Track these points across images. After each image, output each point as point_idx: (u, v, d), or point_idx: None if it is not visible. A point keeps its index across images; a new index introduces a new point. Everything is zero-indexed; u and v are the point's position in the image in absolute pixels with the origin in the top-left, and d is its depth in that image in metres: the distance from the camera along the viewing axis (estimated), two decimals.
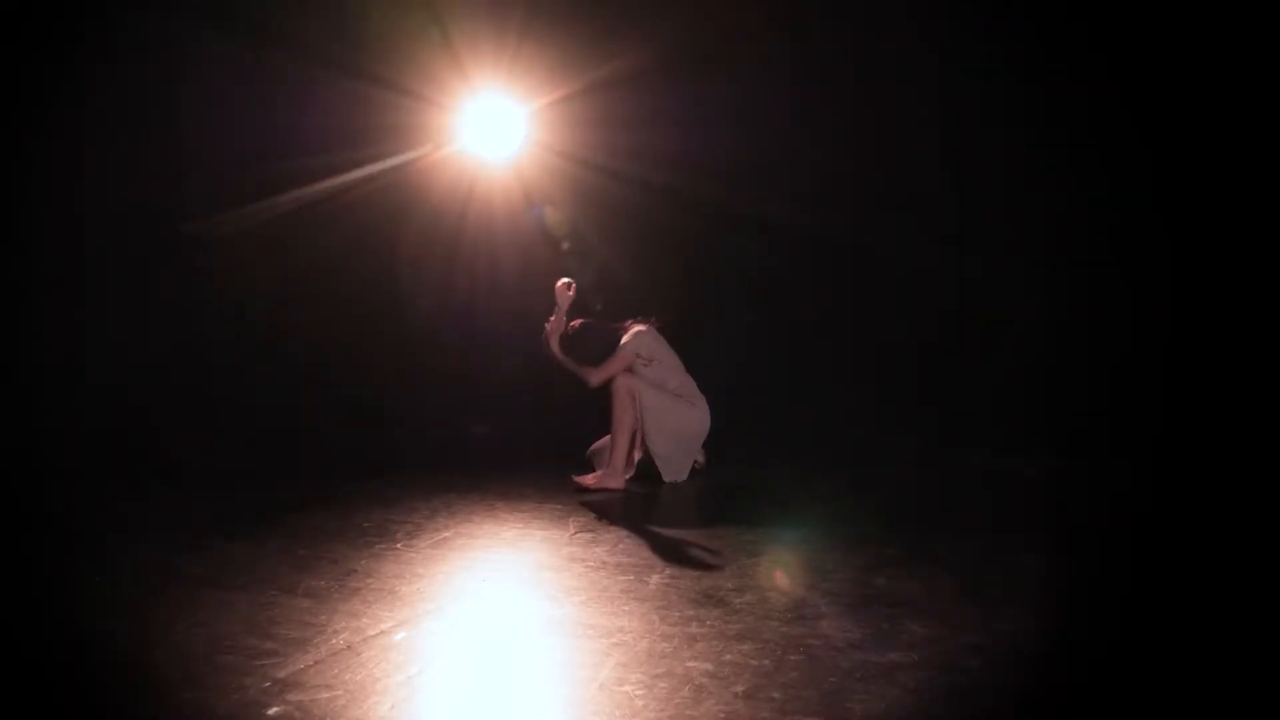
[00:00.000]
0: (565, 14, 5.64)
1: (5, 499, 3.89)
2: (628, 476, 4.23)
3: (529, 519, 3.62)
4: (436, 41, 5.59)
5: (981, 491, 4.23)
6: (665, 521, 3.60)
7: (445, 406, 6.08)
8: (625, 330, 4.35)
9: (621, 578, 2.85)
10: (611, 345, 4.28)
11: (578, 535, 3.37)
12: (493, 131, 5.73)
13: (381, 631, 2.38)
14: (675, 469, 4.32)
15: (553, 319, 4.29)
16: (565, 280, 4.29)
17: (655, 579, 2.85)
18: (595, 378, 4.23)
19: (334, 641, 2.30)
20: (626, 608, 2.58)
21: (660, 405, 4.22)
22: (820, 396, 5.92)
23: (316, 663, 2.17)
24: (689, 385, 4.39)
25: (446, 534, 3.36)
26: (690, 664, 2.19)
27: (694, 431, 4.34)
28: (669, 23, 5.62)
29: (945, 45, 5.64)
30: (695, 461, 4.58)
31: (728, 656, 2.24)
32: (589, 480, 4.16)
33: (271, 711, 1.93)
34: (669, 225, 5.92)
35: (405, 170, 5.87)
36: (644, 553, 3.15)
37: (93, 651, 2.31)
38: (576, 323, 4.33)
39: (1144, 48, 4.98)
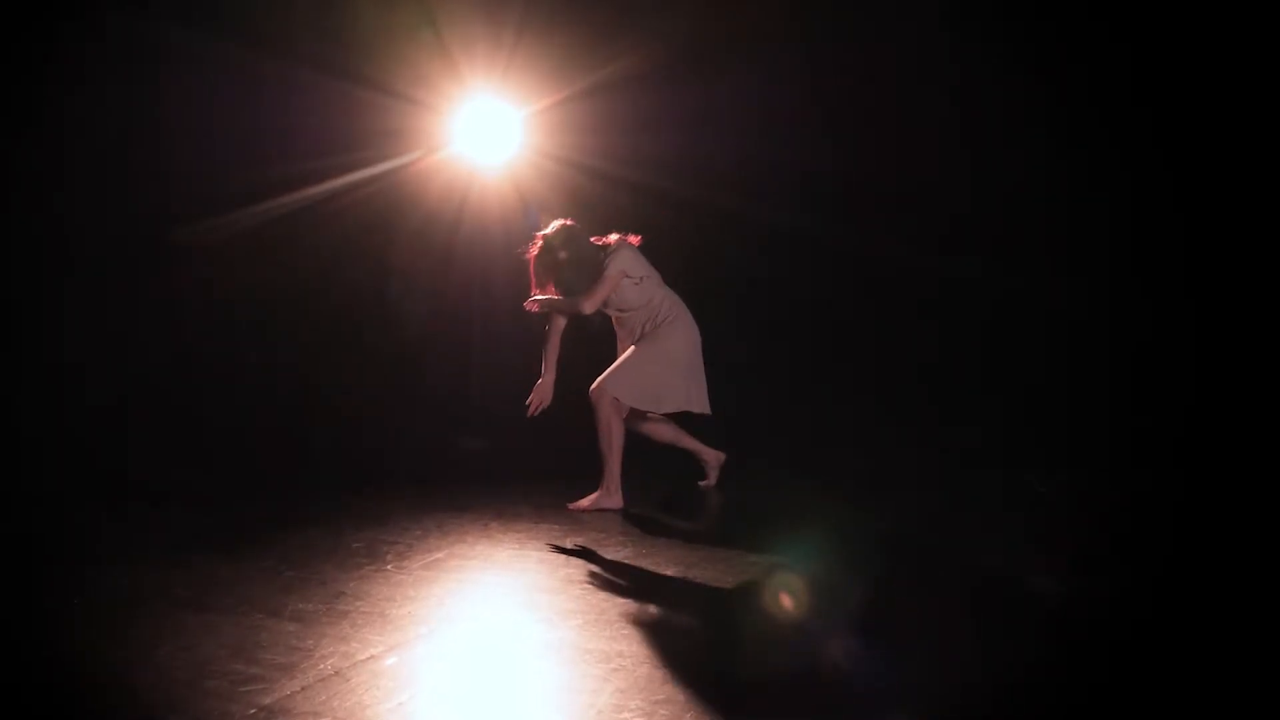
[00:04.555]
0: (563, 15, 5.68)
1: None
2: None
3: (524, 539, 3.63)
4: (430, 42, 5.62)
5: (992, 509, 4.24)
6: (667, 542, 3.60)
7: (438, 420, 6.09)
8: (606, 247, 4.24)
9: (621, 600, 2.86)
10: (595, 266, 4.17)
11: (573, 558, 3.38)
12: (488, 136, 5.76)
13: (371, 656, 2.39)
14: (697, 400, 4.27)
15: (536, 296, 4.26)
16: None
17: (656, 601, 2.86)
18: (588, 306, 4.15)
19: (322, 667, 2.31)
20: (626, 631, 2.58)
21: (647, 376, 4.17)
22: (827, 411, 5.93)
23: (304, 689, 2.18)
24: (671, 301, 4.31)
25: (439, 555, 3.37)
26: (692, 690, 2.19)
27: (688, 355, 4.26)
28: (669, 24, 5.65)
29: (957, 45, 5.68)
30: (704, 483, 4.59)
31: (731, 682, 2.24)
32: (584, 504, 4.16)
33: None
34: (670, 233, 5.93)
35: (397, 175, 5.90)
36: (644, 574, 3.16)
37: (72, 675, 2.32)
38: (557, 230, 4.18)
39: (1161, 47, 5.02)
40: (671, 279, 4.39)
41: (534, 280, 4.26)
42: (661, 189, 5.89)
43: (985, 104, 5.64)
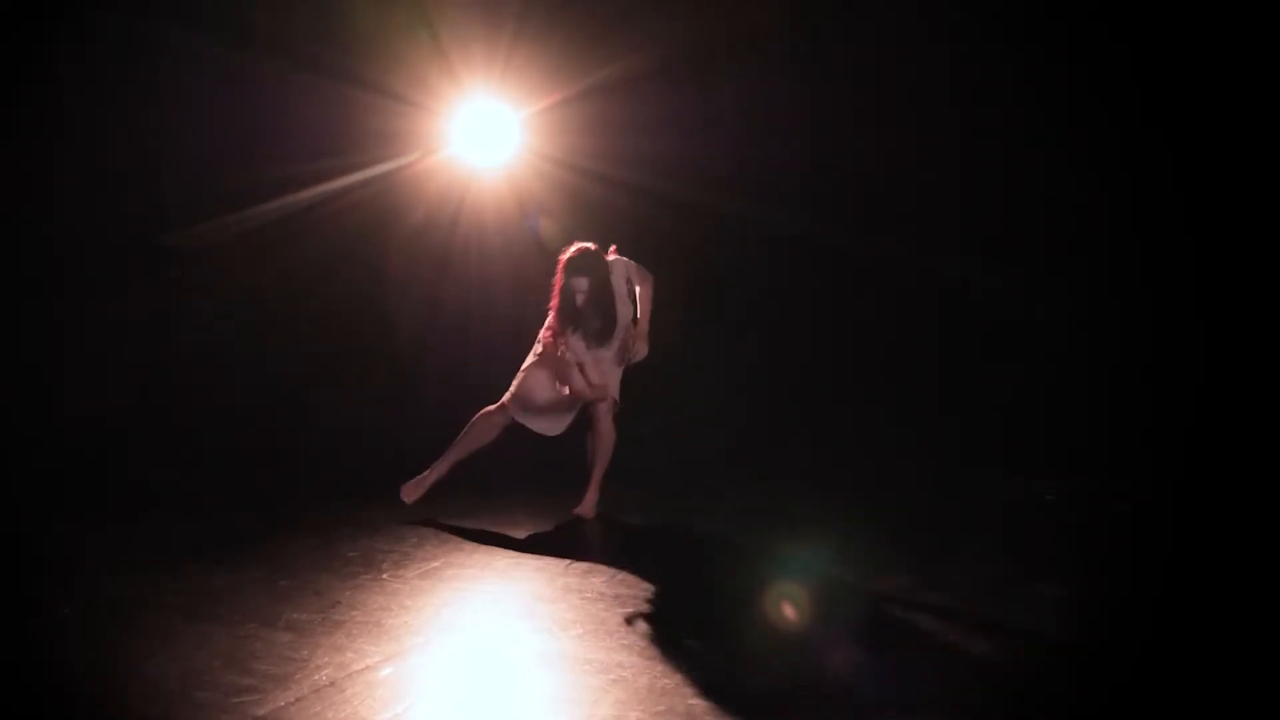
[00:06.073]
0: (561, 15, 5.68)
1: None
2: None
3: (522, 547, 3.62)
4: (426, 43, 5.63)
5: (999, 516, 4.23)
6: (667, 550, 3.60)
7: (435, 425, 6.07)
8: (610, 261, 4.21)
9: (620, 610, 2.86)
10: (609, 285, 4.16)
11: (573, 566, 3.38)
12: (485, 137, 5.76)
13: (367, 667, 2.38)
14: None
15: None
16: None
17: (656, 610, 2.85)
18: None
19: (316, 677, 2.31)
20: (626, 641, 2.58)
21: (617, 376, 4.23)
22: (828, 416, 5.92)
23: (298, 700, 2.17)
24: None
25: (435, 564, 3.37)
26: (692, 701, 2.19)
27: None
28: (668, 24, 5.65)
29: (956, 46, 5.68)
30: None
31: (732, 692, 2.24)
32: (589, 512, 4.15)
33: None
34: (670, 235, 5.94)
35: (393, 178, 5.90)
36: (644, 584, 3.15)
37: (63, 685, 2.31)
38: (585, 252, 4.10)
39: (1166, 49, 5.02)
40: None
41: (555, 293, 4.11)
42: (660, 190, 5.88)
43: (985, 104, 5.64)
